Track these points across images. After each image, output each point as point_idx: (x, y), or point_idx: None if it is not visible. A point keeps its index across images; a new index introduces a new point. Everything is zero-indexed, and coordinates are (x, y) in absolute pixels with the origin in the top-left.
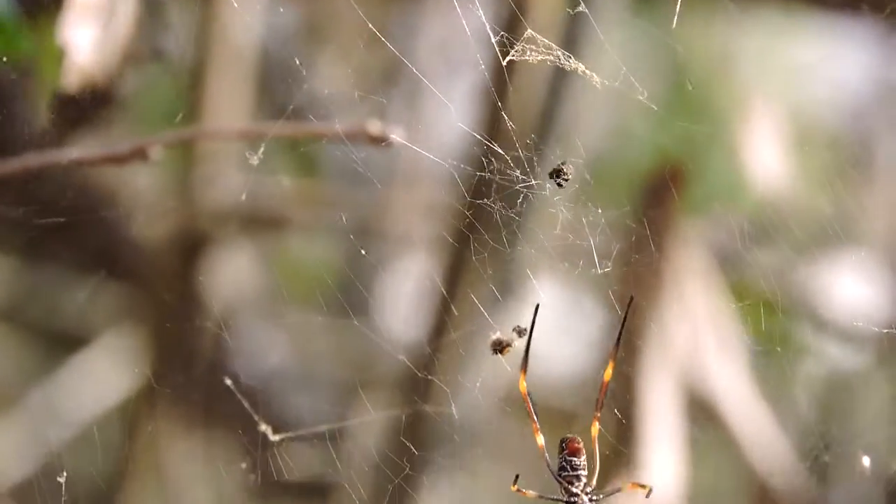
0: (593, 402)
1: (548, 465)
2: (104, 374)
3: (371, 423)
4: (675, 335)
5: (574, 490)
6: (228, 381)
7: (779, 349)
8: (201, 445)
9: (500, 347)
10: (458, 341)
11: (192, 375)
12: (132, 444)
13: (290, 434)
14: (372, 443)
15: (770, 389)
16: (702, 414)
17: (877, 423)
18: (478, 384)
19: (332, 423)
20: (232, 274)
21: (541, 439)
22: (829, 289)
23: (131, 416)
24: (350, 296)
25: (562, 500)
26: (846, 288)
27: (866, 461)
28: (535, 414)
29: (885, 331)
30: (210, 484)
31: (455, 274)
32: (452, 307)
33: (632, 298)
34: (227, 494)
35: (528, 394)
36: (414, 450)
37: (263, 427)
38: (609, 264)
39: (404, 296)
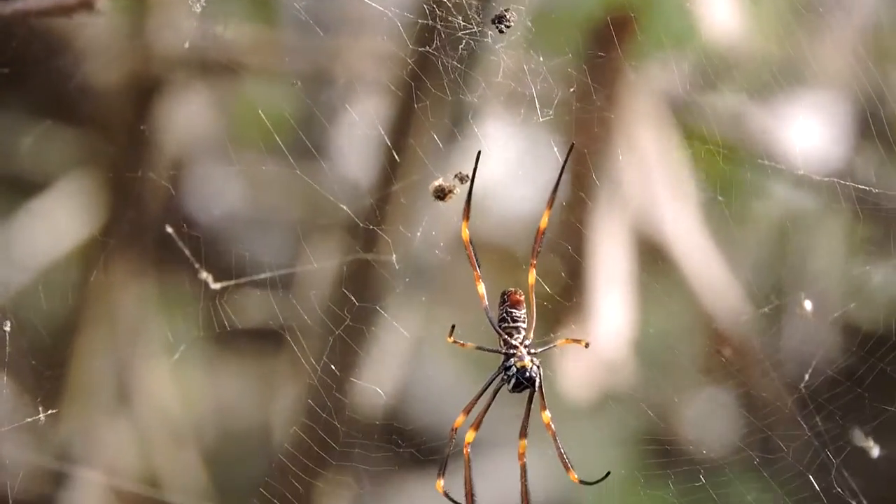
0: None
1: (487, 315)
2: (58, 220)
3: (314, 271)
4: (625, 181)
5: (513, 342)
6: (169, 229)
7: (727, 196)
8: (153, 291)
9: (442, 194)
10: (401, 191)
11: (142, 223)
12: (84, 288)
13: (231, 282)
14: (314, 294)
15: (720, 234)
16: (653, 259)
17: (825, 265)
18: (419, 233)
19: (276, 271)
20: (182, 121)
21: (482, 288)
22: (780, 133)
23: (84, 262)
24: (299, 143)
25: (501, 352)
26: (796, 132)
27: (808, 304)
28: (478, 262)
29: (828, 179)
30: (161, 329)
31: (399, 122)
32: (396, 156)
33: (572, 146)
34: (177, 340)
35: (470, 242)
36: (354, 300)
37: (204, 275)
38: (550, 112)
39: (352, 143)
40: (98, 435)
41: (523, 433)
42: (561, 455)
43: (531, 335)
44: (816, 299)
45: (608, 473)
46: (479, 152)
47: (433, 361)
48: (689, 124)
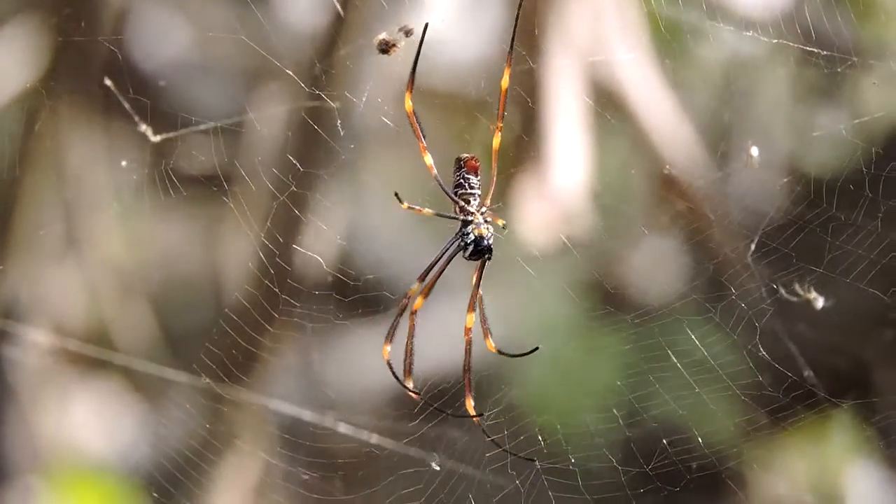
0: (496, 98)
1: (439, 183)
2: (4, 65)
3: (259, 127)
4: (576, 27)
5: (469, 209)
6: (108, 82)
7: (676, 40)
8: (99, 139)
9: (386, 47)
10: (348, 56)
11: (86, 71)
12: (28, 137)
13: (171, 134)
14: (258, 155)
15: (669, 78)
16: (606, 104)
17: (772, 110)
18: (364, 98)
19: (220, 121)
20: None
21: (429, 159)
22: None
23: (27, 110)
24: None
25: (457, 218)
26: None
27: (754, 151)
28: (423, 133)
29: (775, 40)
30: (107, 177)
31: None
32: (341, 11)
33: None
34: (123, 188)
35: (414, 113)
36: (300, 167)
37: (143, 128)
38: None
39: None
40: (44, 287)
41: (471, 307)
42: (484, 321)
43: (488, 201)
44: (762, 146)
45: (536, 348)
46: (427, 24)
47: (379, 217)
48: None
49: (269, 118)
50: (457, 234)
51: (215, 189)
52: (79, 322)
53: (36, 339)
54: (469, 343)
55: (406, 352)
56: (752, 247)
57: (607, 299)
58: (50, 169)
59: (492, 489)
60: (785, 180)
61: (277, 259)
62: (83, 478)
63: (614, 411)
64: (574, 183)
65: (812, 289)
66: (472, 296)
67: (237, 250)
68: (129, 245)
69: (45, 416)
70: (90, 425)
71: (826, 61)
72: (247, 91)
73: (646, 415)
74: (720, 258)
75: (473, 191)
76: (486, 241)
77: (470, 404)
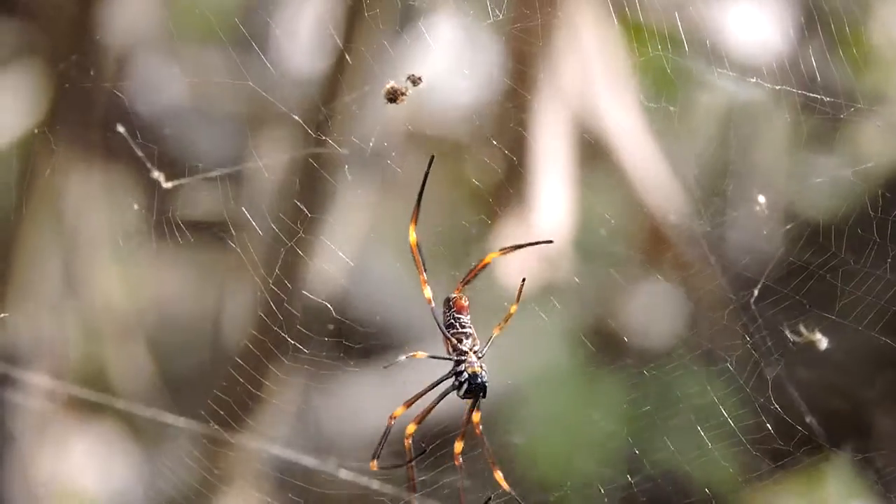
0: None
1: (434, 317)
2: (5, 107)
3: (266, 171)
4: (566, 74)
5: (462, 348)
6: (121, 129)
7: (670, 92)
8: (99, 184)
9: (394, 96)
10: (353, 102)
11: (87, 119)
12: (30, 182)
13: (182, 181)
14: (265, 197)
15: (662, 130)
16: (594, 155)
17: (773, 156)
18: (370, 144)
19: (227, 167)
20: (128, 16)
21: (428, 291)
22: (726, 22)
23: (30, 152)
24: (245, 39)
25: (451, 359)
26: (743, 21)
27: (761, 199)
28: (424, 267)
29: (778, 87)
30: (107, 224)
31: (350, 23)
32: (347, 58)
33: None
34: (125, 232)
35: (418, 246)
36: (308, 212)
37: (156, 174)
38: (500, 14)
39: (302, 36)
40: (43, 331)
41: (461, 436)
42: (489, 453)
43: (478, 342)
44: (766, 192)
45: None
46: (433, 157)
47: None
48: (631, 17)
49: (275, 164)
50: (450, 373)
51: (220, 234)
52: (77, 365)
53: (35, 383)
54: (461, 467)
55: (409, 476)
56: (756, 292)
57: (598, 345)
58: (50, 212)
59: None
60: (789, 226)
61: (284, 304)
62: None
63: (614, 460)
64: (558, 228)
65: (816, 330)
66: (462, 424)
67: (238, 295)
68: (128, 289)
69: (42, 459)
70: (87, 468)
71: (829, 107)
72: (252, 137)
73: (646, 460)
74: (715, 304)
75: (465, 330)
76: (479, 380)
77: (500, 476)
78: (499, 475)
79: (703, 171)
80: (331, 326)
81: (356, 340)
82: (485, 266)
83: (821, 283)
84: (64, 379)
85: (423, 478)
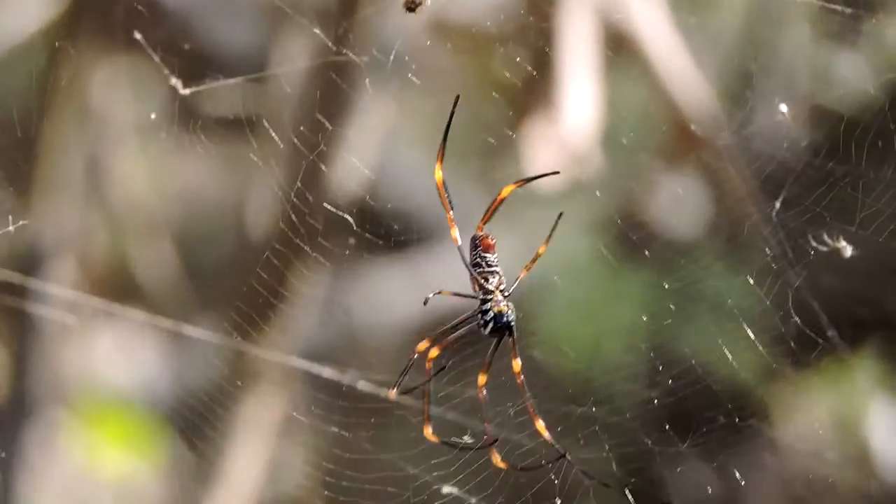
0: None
1: (462, 257)
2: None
3: (287, 76)
4: None
5: (489, 287)
6: (138, 36)
7: None
8: (122, 79)
9: (413, 5)
10: (374, 13)
11: (111, 18)
12: (53, 74)
13: (202, 87)
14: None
15: (692, 21)
16: (621, 51)
17: (795, 66)
18: (391, 56)
19: (248, 73)
20: None
21: (455, 231)
22: None
23: (52, 47)
24: None
25: (478, 298)
26: None
27: (783, 108)
28: (451, 204)
29: None
30: (130, 122)
31: None
32: None
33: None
34: (147, 127)
35: (444, 184)
36: (328, 125)
37: (174, 81)
38: None
39: None
40: (67, 236)
41: (485, 369)
42: (530, 407)
43: (504, 281)
44: (787, 103)
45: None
46: (458, 96)
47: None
48: None
49: (295, 73)
50: (475, 311)
51: (241, 135)
52: (102, 265)
53: (59, 287)
54: (483, 400)
55: (424, 399)
56: (777, 205)
57: (624, 238)
58: (73, 111)
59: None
60: (811, 137)
61: (310, 201)
62: (107, 412)
63: (634, 357)
64: (585, 126)
65: (841, 238)
66: (487, 359)
67: (262, 190)
68: (153, 185)
69: (68, 352)
70: (113, 360)
71: (850, 18)
72: (272, 48)
73: (666, 360)
74: (739, 204)
75: (492, 268)
76: (505, 318)
77: (541, 426)
78: (540, 425)
79: (725, 78)
80: (355, 226)
81: (382, 236)
82: (502, 201)
83: (842, 194)
84: (88, 280)
85: (446, 392)
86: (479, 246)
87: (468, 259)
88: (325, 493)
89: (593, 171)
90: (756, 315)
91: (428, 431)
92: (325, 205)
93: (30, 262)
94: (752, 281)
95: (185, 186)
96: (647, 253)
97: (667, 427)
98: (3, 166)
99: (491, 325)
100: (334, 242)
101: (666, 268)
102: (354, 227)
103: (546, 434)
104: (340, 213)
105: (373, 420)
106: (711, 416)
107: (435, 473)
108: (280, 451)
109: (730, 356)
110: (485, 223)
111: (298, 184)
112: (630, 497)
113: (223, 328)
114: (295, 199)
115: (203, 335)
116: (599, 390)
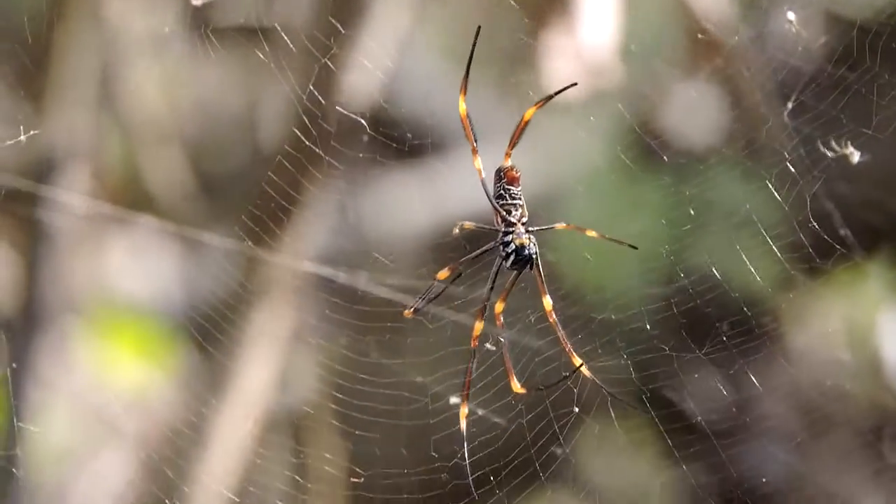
0: None
1: (485, 189)
2: None
3: None
4: None
5: (511, 219)
6: None
7: None
8: None
9: None
10: None
11: None
12: None
13: None
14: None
15: None
16: None
17: None
18: None
19: None
20: None
21: (479, 162)
22: None
23: None
24: None
25: (499, 231)
26: None
27: (791, 16)
28: (475, 137)
29: None
30: (145, 23)
31: None
32: None
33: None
34: (161, 37)
35: (468, 116)
36: (342, 29)
37: None
38: None
39: None
40: (80, 143)
41: (504, 297)
42: (564, 343)
43: (526, 212)
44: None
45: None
46: (479, 27)
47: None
48: None
49: None
50: (497, 244)
51: (254, 42)
52: (115, 174)
53: (71, 195)
54: (502, 326)
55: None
56: (790, 105)
57: (642, 146)
58: (87, 18)
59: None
60: (823, 40)
61: (323, 103)
62: (120, 321)
63: (652, 263)
64: (602, 37)
65: (849, 144)
66: (506, 289)
67: (274, 101)
68: (165, 94)
69: (81, 261)
70: (127, 269)
71: None
72: None
73: (684, 267)
74: (754, 112)
75: (515, 201)
76: (526, 251)
77: (576, 360)
78: (575, 359)
79: None
80: (368, 129)
81: (396, 140)
82: (526, 124)
83: (857, 97)
84: (101, 189)
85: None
86: (503, 178)
87: (491, 191)
88: (338, 398)
89: (611, 81)
90: (773, 222)
91: (515, 385)
92: (338, 107)
93: (42, 171)
94: (770, 185)
95: (198, 95)
96: (665, 159)
97: (684, 334)
98: (15, 74)
99: (512, 258)
100: (347, 146)
101: (684, 174)
102: (368, 130)
103: (585, 370)
104: (353, 116)
105: (387, 325)
106: (728, 324)
107: (448, 383)
108: (293, 358)
109: (748, 263)
110: (511, 149)
111: (311, 87)
112: (647, 404)
113: (236, 234)
114: (308, 103)
115: (216, 241)
116: (618, 297)
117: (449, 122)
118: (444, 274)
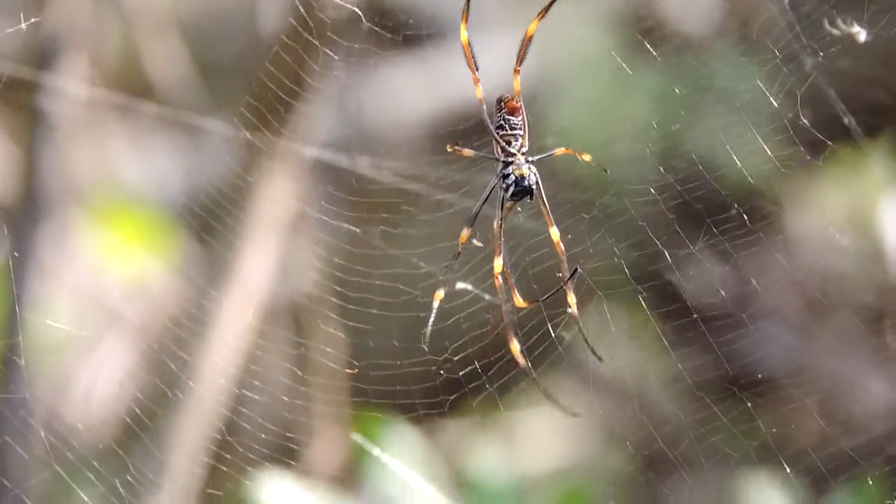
0: None
1: (485, 120)
2: None
3: None
4: None
5: (511, 150)
6: None
7: None
8: None
9: None
10: None
11: None
12: None
13: None
14: None
15: None
16: None
17: None
18: None
19: None
20: None
21: (480, 91)
22: None
23: None
24: None
25: (499, 160)
26: None
27: None
28: (476, 65)
29: None
30: None
31: None
32: None
33: None
34: None
35: (469, 44)
36: None
37: None
38: None
39: None
40: (79, 31)
41: (498, 252)
42: (566, 279)
43: (527, 143)
44: None
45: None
46: None
47: None
48: None
49: None
50: (498, 175)
51: None
52: (114, 61)
53: (71, 84)
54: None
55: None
56: None
57: (639, 33)
58: None
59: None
60: None
61: (313, 4)
62: (119, 210)
63: (650, 146)
64: None
65: (855, 23)
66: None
67: None
68: None
69: (81, 150)
70: (126, 158)
71: None
72: None
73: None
74: None
75: (515, 132)
76: (526, 182)
77: (572, 300)
78: (571, 299)
79: None
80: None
81: (392, 29)
82: (531, 38)
83: None
84: (101, 77)
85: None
86: (503, 108)
87: (492, 121)
88: (336, 289)
89: None
90: (772, 111)
91: (518, 300)
92: None
93: (42, 59)
94: (778, 63)
95: None
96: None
97: (677, 229)
98: None
99: (512, 188)
100: (344, 36)
101: (679, 64)
102: (363, 20)
103: (575, 310)
104: (348, 6)
105: (384, 215)
106: (723, 217)
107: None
108: (292, 247)
109: (755, 142)
110: (520, 64)
111: None
112: (643, 303)
113: (234, 123)
114: None
115: (216, 126)
116: (610, 193)
117: (444, 9)
118: (465, 236)
